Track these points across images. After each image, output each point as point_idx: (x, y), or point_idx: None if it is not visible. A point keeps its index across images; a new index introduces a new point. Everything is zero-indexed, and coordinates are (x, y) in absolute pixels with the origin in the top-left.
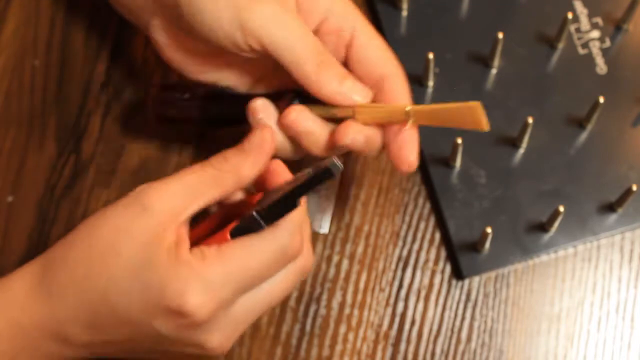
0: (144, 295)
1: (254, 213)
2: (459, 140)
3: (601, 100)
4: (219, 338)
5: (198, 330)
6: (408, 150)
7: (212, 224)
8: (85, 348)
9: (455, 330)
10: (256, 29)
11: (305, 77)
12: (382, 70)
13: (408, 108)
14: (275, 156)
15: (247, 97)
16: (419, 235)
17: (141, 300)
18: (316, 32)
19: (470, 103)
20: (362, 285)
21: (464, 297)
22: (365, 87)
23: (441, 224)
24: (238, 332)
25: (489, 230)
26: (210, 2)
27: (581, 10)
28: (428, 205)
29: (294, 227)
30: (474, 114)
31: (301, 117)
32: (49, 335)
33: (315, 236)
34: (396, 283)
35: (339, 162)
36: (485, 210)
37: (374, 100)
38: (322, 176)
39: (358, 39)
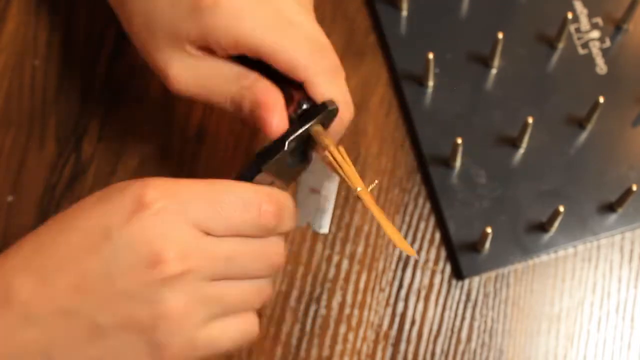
0: (103, 195)
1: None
2: (459, 140)
3: (601, 100)
4: (181, 300)
5: (159, 269)
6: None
7: None
8: (25, 308)
9: (455, 330)
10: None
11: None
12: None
13: (359, 189)
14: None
15: None
16: (419, 235)
17: (99, 199)
18: None
19: (401, 243)
20: (362, 285)
21: (464, 297)
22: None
23: (441, 224)
24: (204, 320)
25: (489, 230)
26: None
27: (581, 10)
28: (428, 205)
29: (258, 189)
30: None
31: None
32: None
33: (315, 236)
34: (396, 283)
35: (331, 103)
36: (485, 210)
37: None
38: (310, 114)
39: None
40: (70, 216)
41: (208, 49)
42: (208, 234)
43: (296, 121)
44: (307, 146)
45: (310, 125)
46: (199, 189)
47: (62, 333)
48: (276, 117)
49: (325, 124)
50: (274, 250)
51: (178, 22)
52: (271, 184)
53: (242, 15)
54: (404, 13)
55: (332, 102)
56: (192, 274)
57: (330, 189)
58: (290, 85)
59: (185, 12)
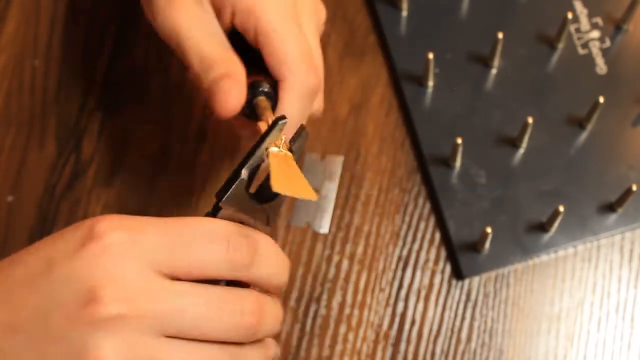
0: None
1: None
2: (459, 140)
3: (601, 100)
4: (110, 350)
5: (92, 308)
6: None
7: None
8: None
9: (455, 330)
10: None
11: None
12: (278, 73)
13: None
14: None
15: None
16: (419, 235)
17: (56, 234)
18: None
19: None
20: (362, 285)
21: (464, 297)
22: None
23: (441, 224)
24: None
25: (489, 230)
26: None
27: (581, 10)
28: (428, 205)
29: (227, 223)
30: (302, 188)
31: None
32: None
33: (315, 236)
34: (396, 283)
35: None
36: (485, 210)
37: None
38: (264, 135)
39: (260, 37)
40: (23, 251)
41: (216, 9)
42: (168, 277)
43: (252, 146)
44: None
45: (263, 146)
46: (158, 224)
47: None
48: (233, 95)
49: (295, 144)
50: (248, 304)
51: None
52: (242, 224)
53: (270, 2)
54: (404, 13)
55: (283, 116)
56: (133, 321)
57: (330, 189)
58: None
59: None
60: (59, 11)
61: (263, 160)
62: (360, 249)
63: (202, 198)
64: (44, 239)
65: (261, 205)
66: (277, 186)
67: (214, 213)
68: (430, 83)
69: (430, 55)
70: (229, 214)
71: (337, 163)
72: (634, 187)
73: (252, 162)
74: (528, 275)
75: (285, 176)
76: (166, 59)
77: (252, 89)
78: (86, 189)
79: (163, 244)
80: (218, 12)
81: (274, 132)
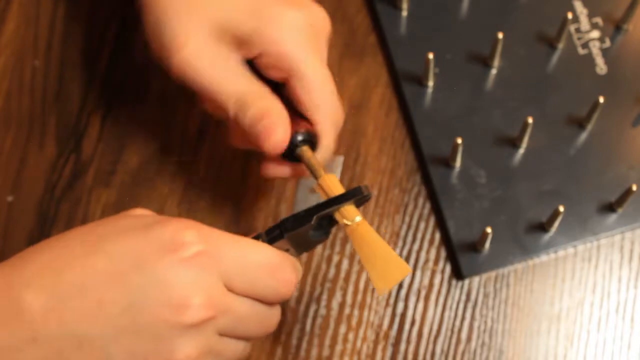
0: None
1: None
2: (459, 140)
3: (601, 100)
4: (194, 350)
5: (184, 314)
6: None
7: None
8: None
9: (455, 330)
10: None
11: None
12: (312, 116)
13: (357, 219)
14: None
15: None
16: (419, 235)
17: (134, 228)
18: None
19: (401, 264)
20: (362, 285)
21: (464, 297)
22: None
23: (441, 224)
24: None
25: (489, 230)
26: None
27: (581, 10)
28: (428, 205)
29: (285, 257)
30: (396, 271)
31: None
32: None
33: None
34: None
35: (366, 189)
36: (485, 210)
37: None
38: (345, 196)
39: (293, 82)
40: (96, 237)
41: (237, 45)
42: (228, 289)
43: (329, 199)
44: (329, 222)
45: (339, 207)
46: (233, 245)
47: (70, 359)
48: (280, 131)
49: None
50: (275, 318)
51: (230, 12)
52: (286, 250)
53: (299, 39)
54: (404, 13)
55: (367, 188)
56: (210, 324)
57: None
58: (294, 115)
59: (245, 7)
60: (59, 11)
61: (331, 216)
62: None
63: (202, 198)
64: (120, 230)
65: (306, 240)
66: (381, 289)
67: (271, 240)
68: (430, 83)
69: (430, 55)
70: (281, 243)
71: (337, 163)
72: (634, 187)
73: (323, 214)
74: (528, 275)
75: (379, 269)
76: None
77: (291, 140)
78: (86, 189)
79: (234, 263)
80: (238, 47)
81: (352, 201)
